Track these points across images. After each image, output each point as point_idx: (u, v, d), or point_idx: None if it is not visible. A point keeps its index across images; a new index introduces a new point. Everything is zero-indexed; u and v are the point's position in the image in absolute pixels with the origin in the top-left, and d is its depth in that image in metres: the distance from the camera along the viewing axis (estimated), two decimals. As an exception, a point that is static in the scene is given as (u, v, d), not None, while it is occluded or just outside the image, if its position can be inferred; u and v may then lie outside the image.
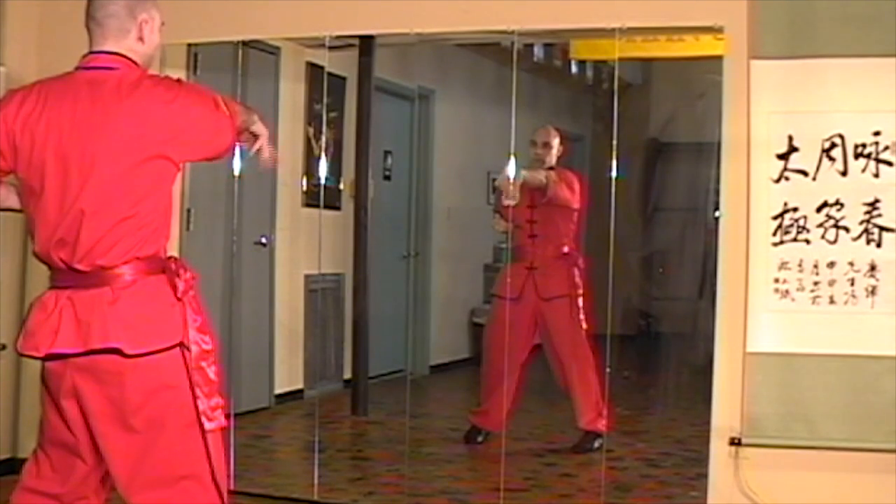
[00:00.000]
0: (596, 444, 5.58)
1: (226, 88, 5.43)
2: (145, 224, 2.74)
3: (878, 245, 4.12)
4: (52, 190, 2.73)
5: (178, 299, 2.77)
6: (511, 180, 5.62)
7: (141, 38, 2.84)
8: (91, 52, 2.83)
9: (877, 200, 4.12)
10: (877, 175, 4.12)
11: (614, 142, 4.76)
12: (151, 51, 2.89)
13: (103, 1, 2.82)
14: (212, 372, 2.80)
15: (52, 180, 2.72)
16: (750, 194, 4.22)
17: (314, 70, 6.37)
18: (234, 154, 2.96)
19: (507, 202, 5.74)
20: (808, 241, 4.18)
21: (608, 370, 5.05)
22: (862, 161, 4.13)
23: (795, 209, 4.19)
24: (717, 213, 4.41)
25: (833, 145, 4.15)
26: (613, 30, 4.46)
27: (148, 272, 2.75)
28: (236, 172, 5.20)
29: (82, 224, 2.70)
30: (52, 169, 2.72)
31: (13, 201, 2.90)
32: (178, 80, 2.90)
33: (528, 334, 5.83)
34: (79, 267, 2.73)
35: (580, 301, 5.81)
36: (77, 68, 2.83)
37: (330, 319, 7.13)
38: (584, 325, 5.80)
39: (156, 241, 2.78)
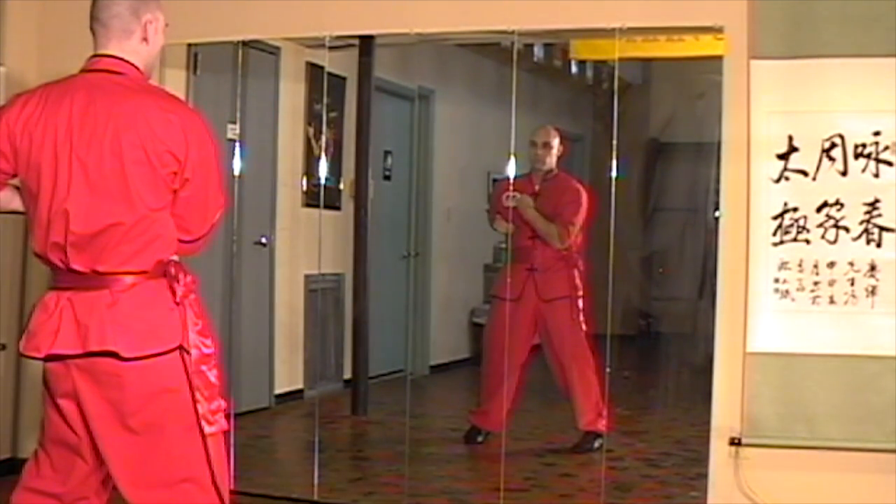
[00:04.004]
0: (596, 444, 5.58)
1: (226, 88, 5.46)
2: (140, 233, 2.72)
3: (878, 245, 4.12)
4: (45, 191, 2.73)
5: (178, 303, 2.76)
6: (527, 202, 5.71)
7: (145, 39, 2.83)
8: (95, 55, 2.83)
9: (877, 200, 4.12)
10: (877, 175, 4.12)
11: (614, 142, 4.76)
12: (155, 52, 2.89)
13: (107, 2, 2.82)
14: (212, 375, 2.80)
15: (46, 182, 2.73)
16: (750, 194, 4.22)
17: (314, 70, 6.37)
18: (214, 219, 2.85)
19: (508, 203, 5.74)
20: (808, 241, 4.18)
21: (608, 370, 5.05)
22: (862, 161, 4.13)
23: (795, 209, 4.19)
24: (717, 213, 4.42)
25: (833, 145, 4.15)
26: (613, 30, 4.46)
27: (148, 276, 2.75)
28: (236, 172, 5.20)
29: (68, 226, 2.70)
30: (46, 170, 2.72)
31: (17, 203, 2.89)
32: (183, 101, 2.90)
33: (528, 335, 5.83)
34: (77, 268, 2.73)
35: (580, 302, 5.81)
36: (81, 71, 2.83)
37: (330, 319, 7.13)
38: (584, 327, 5.80)
39: (157, 254, 2.76)
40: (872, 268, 4.13)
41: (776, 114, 4.21)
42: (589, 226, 5.86)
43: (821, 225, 4.17)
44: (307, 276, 6.80)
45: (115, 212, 2.70)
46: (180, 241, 2.84)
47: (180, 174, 2.74)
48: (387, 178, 7.43)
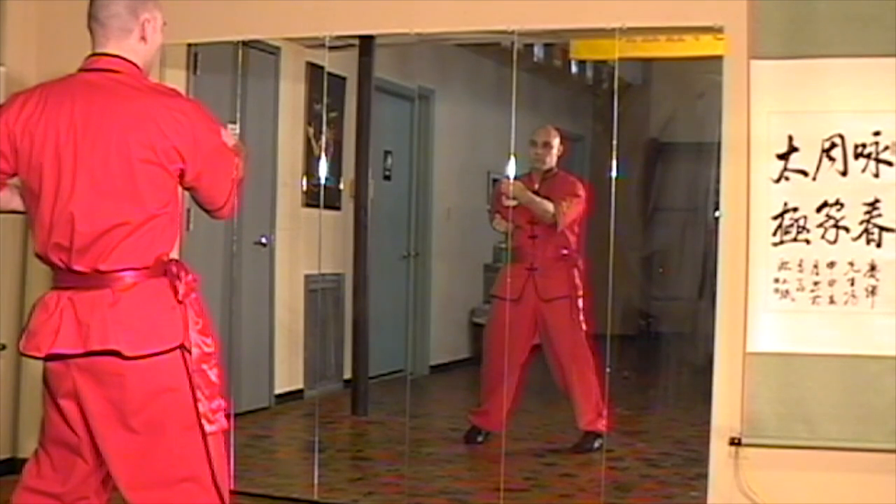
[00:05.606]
0: (596, 444, 5.58)
1: (226, 88, 5.46)
2: (145, 232, 2.73)
3: (878, 245, 4.12)
4: (48, 192, 2.73)
5: (179, 302, 2.77)
6: (519, 187, 5.69)
7: (143, 38, 2.84)
8: (93, 54, 2.83)
9: (877, 200, 4.12)
10: (877, 175, 4.12)
11: (614, 142, 4.76)
12: (153, 51, 2.89)
13: (106, 1, 2.82)
14: (213, 374, 2.80)
15: (48, 182, 2.73)
16: (750, 194, 4.22)
17: (314, 70, 6.37)
18: (230, 200, 2.90)
19: (507, 203, 5.74)
20: (808, 241, 4.18)
21: (608, 370, 5.05)
22: (862, 161, 4.13)
23: (795, 209, 4.19)
24: (717, 213, 4.41)
25: (833, 145, 4.15)
26: (613, 30, 4.46)
27: (149, 275, 2.75)
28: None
29: (74, 227, 2.71)
30: (48, 171, 2.72)
31: (17, 203, 2.90)
32: (182, 93, 2.91)
33: (528, 335, 5.83)
34: (78, 268, 2.74)
35: (580, 302, 5.81)
36: (79, 70, 2.83)
37: (330, 319, 7.13)
38: (584, 327, 5.79)
39: (157, 249, 2.77)
40: (872, 268, 4.13)
41: (776, 114, 4.20)
42: (589, 225, 5.86)
43: (821, 225, 4.17)
44: (307, 276, 6.80)
45: (121, 211, 2.71)
46: (210, 211, 2.90)
47: (192, 169, 2.76)
48: (387, 178, 7.43)
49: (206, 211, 2.93)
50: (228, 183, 2.88)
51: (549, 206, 5.79)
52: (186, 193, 2.90)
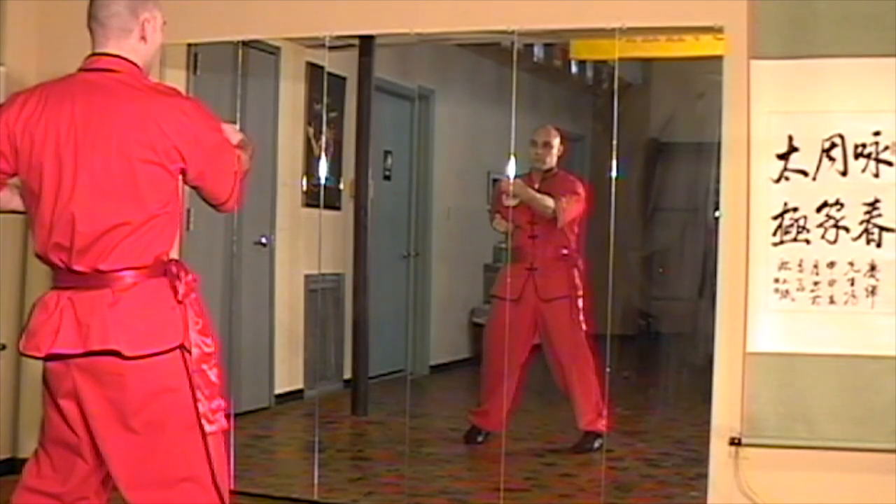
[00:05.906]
0: (596, 445, 5.58)
1: (226, 88, 5.46)
2: (145, 232, 2.73)
3: (878, 245, 4.12)
4: (48, 192, 2.73)
5: (179, 302, 2.77)
6: (519, 185, 5.70)
7: (143, 38, 2.84)
8: (93, 54, 2.83)
9: (877, 200, 4.12)
10: (877, 175, 4.12)
11: (614, 142, 4.76)
12: (153, 51, 2.89)
13: (106, 1, 2.82)
14: (213, 374, 2.80)
15: (49, 182, 2.73)
16: (750, 194, 4.22)
17: (314, 70, 6.37)
18: (232, 193, 2.89)
19: (507, 202, 5.74)
20: (808, 241, 4.18)
21: (608, 370, 5.05)
22: (862, 161, 4.13)
23: (795, 209, 4.19)
24: (717, 213, 4.42)
25: (833, 145, 4.15)
26: (613, 30, 4.46)
27: (149, 275, 2.75)
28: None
29: (74, 227, 2.71)
30: (48, 171, 2.72)
31: (16, 203, 2.90)
32: (181, 92, 2.91)
33: (528, 335, 5.83)
34: (78, 268, 2.74)
35: (580, 302, 5.81)
36: (79, 70, 2.83)
37: (330, 319, 7.13)
38: (584, 327, 5.80)
39: (156, 248, 2.77)
40: (872, 268, 4.13)
41: (776, 114, 4.21)
42: (589, 225, 5.86)
43: (821, 225, 4.17)
44: (307, 276, 6.80)
45: (122, 212, 2.71)
46: (214, 205, 2.92)
47: (193, 168, 2.77)
48: (387, 178, 7.43)
49: (212, 206, 2.94)
50: (231, 178, 2.89)
51: (550, 202, 5.80)
52: (187, 193, 2.91)
